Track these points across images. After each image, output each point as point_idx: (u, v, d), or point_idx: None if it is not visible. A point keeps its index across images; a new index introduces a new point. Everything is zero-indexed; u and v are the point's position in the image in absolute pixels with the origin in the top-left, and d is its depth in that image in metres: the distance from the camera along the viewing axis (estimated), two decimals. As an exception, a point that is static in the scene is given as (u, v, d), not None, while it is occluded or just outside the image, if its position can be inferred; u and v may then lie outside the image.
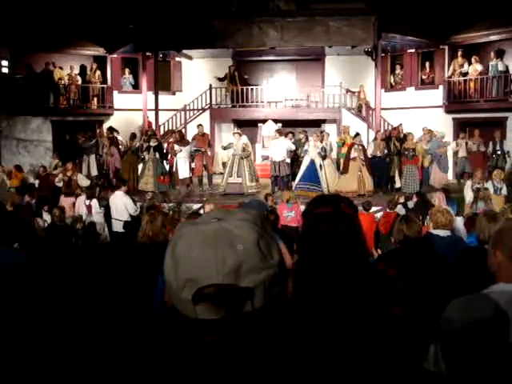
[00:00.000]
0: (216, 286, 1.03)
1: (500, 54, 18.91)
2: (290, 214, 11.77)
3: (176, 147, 16.56)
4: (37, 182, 16.17)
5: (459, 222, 7.92)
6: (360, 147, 15.98)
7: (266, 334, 1.08)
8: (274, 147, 16.56)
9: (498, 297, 2.39)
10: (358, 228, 2.12)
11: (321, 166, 15.81)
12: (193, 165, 17.16)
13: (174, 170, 16.72)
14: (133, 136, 17.76)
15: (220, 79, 21.81)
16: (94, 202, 12.75)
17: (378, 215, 13.91)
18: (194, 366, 1.05)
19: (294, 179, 16.49)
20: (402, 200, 12.12)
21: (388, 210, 12.04)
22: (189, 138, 18.63)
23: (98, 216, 12.61)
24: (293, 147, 16.45)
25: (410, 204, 11.97)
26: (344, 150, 16.63)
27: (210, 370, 1.04)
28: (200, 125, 18.18)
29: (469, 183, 12.92)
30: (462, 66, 19.68)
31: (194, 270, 1.04)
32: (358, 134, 16.48)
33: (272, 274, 1.07)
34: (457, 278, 3.50)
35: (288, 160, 16.37)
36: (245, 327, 1.06)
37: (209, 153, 17.54)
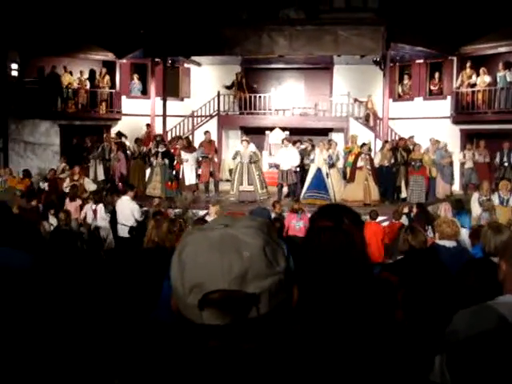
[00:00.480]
0: (222, 291, 1.04)
1: (508, 66, 18.89)
2: (299, 224, 11.74)
3: (183, 154, 16.62)
4: (46, 185, 16.17)
5: (465, 233, 7.89)
6: (367, 156, 15.98)
7: (271, 341, 1.08)
8: (282, 155, 16.56)
9: (504, 308, 2.37)
10: (360, 244, 2.11)
11: (327, 174, 15.83)
12: (199, 171, 17.20)
13: (180, 176, 16.76)
14: (139, 141, 17.82)
15: (228, 87, 21.86)
16: (100, 207, 12.73)
17: (384, 225, 13.91)
18: (198, 371, 1.06)
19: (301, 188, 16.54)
20: (406, 210, 12.10)
21: (393, 221, 12.02)
22: (196, 144, 18.69)
23: (103, 221, 12.59)
24: (297, 161, 16.42)
25: (404, 220, 12.00)
26: (351, 158, 16.63)
27: (213, 375, 1.04)
28: (207, 131, 18.21)
29: (476, 195, 12.87)
30: (470, 77, 19.68)
31: (200, 276, 1.05)
32: (365, 144, 16.52)
33: (278, 281, 1.08)
34: (461, 288, 3.49)
35: (297, 169, 16.40)
36: (250, 333, 1.06)
37: (215, 159, 17.55)
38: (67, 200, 13.36)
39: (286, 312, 1.12)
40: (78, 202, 13.20)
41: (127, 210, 11.99)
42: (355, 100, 21.49)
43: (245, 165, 15.96)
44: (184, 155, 16.65)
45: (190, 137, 20.31)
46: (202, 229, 1.13)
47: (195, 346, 1.09)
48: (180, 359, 1.10)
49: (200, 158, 17.09)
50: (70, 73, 21.00)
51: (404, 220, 11.68)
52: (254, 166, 16.09)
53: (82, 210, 12.85)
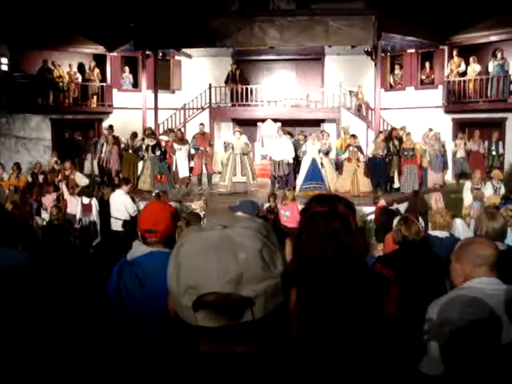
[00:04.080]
0: (216, 294, 1.03)
1: (501, 55, 18.86)
2: (285, 214, 11.74)
3: (175, 146, 16.58)
4: (41, 178, 16.03)
5: (458, 223, 7.91)
6: (355, 149, 16.04)
7: (265, 345, 1.08)
8: (275, 146, 16.54)
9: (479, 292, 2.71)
10: (354, 229, 2.13)
11: (321, 164, 15.87)
12: (192, 163, 17.16)
13: (173, 169, 16.71)
14: (134, 135, 17.75)
15: (226, 82, 21.80)
16: (95, 202, 12.70)
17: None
18: (190, 373, 1.06)
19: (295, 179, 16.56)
20: (382, 203, 12.10)
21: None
22: (188, 137, 18.64)
23: (95, 216, 12.59)
24: (292, 154, 16.40)
25: (401, 207, 12.07)
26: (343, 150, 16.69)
27: (205, 378, 1.04)
28: (201, 123, 18.15)
29: (468, 184, 12.93)
30: (458, 65, 19.67)
31: (196, 277, 1.05)
32: (353, 136, 16.54)
33: (274, 285, 1.07)
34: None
35: (291, 160, 16.39)
36: (243, 337, 1.06)
37: (209, 151, 17.48)
38: (46, 194, 13.26)
39: (283, 316, 1.11)
40: (53, 195, 13.10)
41: (120, 203, 11.96)
42: (350, 92, 21.44)
43: (238, 156, 15.96)
44: (176, 147, 16.61)
45: (182, 129, 20.24)
46: (200, 229, 1.12)
47: (188, 348, 1.09)
48: (170, 360, 1.10)
49: (193, 151, 17.06)
50: (59, 66, 20.86)
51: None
52: (247, 157, 16.11)
53: (61, 202, 12.72)
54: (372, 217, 13.62)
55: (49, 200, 12.86)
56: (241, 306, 1.04)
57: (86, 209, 12.55)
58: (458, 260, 2.92)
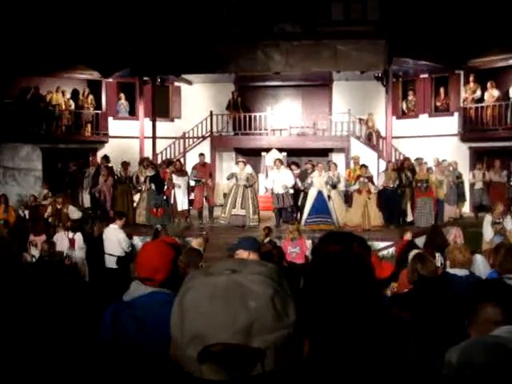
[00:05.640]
0: (224, 345, 1.01)
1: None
2: (294, 251, 11.70)
3: (174, 178, 16.54)
4: (27, 213, 16.07)
5: (479, 259, 7.81)
6: (366, 180, 15.99)
7: None
8: (275, 178, 16.47)
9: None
10: (370, 269, 2.10)
11: (329, 197, 15.80)
12: (192, 196, 17.11)
13: (172, 201, 16.66)
14: (125, 165, 17.62)
15: (227, 108, 21.93)
16: (78, 236, 12.65)
17: (390, 251, 13.91)
18: None
19: (297, 211, 16.50)
20: (408, 236, 12.02)
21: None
22: (188, 167, 18.62)
23: (80, 252, 12.51)
24: (292, 182, 16.37)
25: (419, 242, 11.98)
26: (353, 181, 16.66)
27: None
28: (202, 154, 18.18)
29: (488, 218, 12.83)
30: (474, 92, 19.72)
31: (202, 326, 1.03)
32: (364, 166, 16.50)
33: (286, 335, 1.05)
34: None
35: (291, 191, 16.33)
36: None
37: (210, 183, 17.43)
38: (31, 235, 13.10)
39: (295, 368, 1.09)
40: (43, 236, 12.89)
41: (114, 239, 11.91)
42: (360, 120, 21.50)
43: (240, 187, 15.94)
44: (176, 179, 16.56)
45: (182, 160, 20.24)
46: (208, 273, 1.11)
47: None
48: None
49: (193, 183, 17.01)
50: (62, 92, 21.06)
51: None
52: (250, 190, 16.05)
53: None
54: (386, 252, 13.59)
55: (39, 238, 12.79)
56: (250, 358, 1.02)
57: (71, 244, 12.50)
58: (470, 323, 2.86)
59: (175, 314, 1.08)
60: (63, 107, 20.96)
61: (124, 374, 2.86)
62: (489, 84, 19.37)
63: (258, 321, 1.02)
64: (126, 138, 21.53)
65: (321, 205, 15.66)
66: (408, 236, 11.89)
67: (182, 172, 17.00)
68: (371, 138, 21.33)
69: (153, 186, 16.08)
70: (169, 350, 1.12)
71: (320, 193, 15.71)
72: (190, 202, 17.08)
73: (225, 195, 17.99)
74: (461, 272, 5.44)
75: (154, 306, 2.93)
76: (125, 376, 2.85)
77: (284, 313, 1.06)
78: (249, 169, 16.39)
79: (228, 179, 16.69)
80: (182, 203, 16.62)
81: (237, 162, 17.08)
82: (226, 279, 1.07)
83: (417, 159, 17.77)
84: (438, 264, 8.56)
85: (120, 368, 2.90)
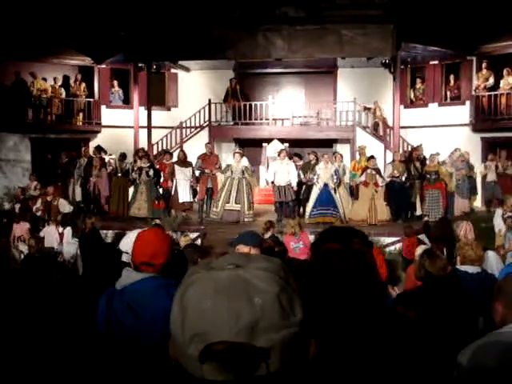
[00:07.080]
0: (226, 343, 1.00)
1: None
2: (297, 246, 11.69)
3: (177, 168, 16.42)
4: (17, 207, 16.04)
5: (491, 256, 7.78)
6: (374, 171, 15.91)
7: None
8: (277, 170, 16.35)
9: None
10: (372, 267, 2.10)
11: (334, 189, 15.74)
12: (196, 187, 16.91)
13: (172, 193, 16.59)
14: (122, 156, 17.63)
15: (224, 99, 21.85)
16: (67, 231, 12.71)
17: (397, 246, 13.92)
18: None
19: (300, 205, 16.46)
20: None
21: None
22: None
23: (69, 246, 12.53)
24: (296, 179, 16.22)
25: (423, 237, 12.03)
26: (359, 173, 16.62)
27: None
28: (208, 143, 18.09)
29: (499, 211, 12.84)
30: (486, 79, 19.65)
31: (204, 324, 1.02)
32: (372, 157, 16.42)
33: (292, 334, 1.05)
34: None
35: (294, 184, 16.20)
36: None
37: (216, 174, 16.95)
38: (14, 224, 13.27)
39: (300, 369, 1.09)
40: (26, 224, 13.11)
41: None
42: (364, 108, 21.46)
43: (235, 180, 15.83)
44: (178, 170, 16.41)
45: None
46: (210, 268, 1.10)
47: None
48: None
49: (197, 173, 16.78)
50: (44, 79, 20.92)
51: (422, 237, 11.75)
52: (245, 183, 15.94)
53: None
54: (393, 248, 13.58)
55: (21, 229, 12.87)
56: (254, 357, 1.01)
57: (60, 238, 12.58)
58: (496, 299, 2.87)
59: (175, 310, 1.08)
60: (49, 93, 20.84)
61: (122, 364, 2.89)
62: (505, 71, 19.18)
63: (263, 319, 1.02)
64: (120, 127, 21.50)
65: (327, 197, 15.57)
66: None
67: (185, 163, 16.85)
68: (378, 128, 21.31)
69: (151, 177, 16.09)
70: (165, 337, 1.12)
71: (326, 185, 15.62)
72: (195, 194, 16.98)
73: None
74: (472, 269, 5.43)
75: (146, 292, 3.01)
76: (122, 367, 2.87)
77: (290, 311, 1.06)
78: (245, 161, 16.25)
79: (223, 172, 16.52)
80: (183, 195, 16.48)
81: (233, 154, 16.86)
82: (229, 274, 1.06)
83: (417, 146, 17.78)
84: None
85: (117, 358, 2.93)
